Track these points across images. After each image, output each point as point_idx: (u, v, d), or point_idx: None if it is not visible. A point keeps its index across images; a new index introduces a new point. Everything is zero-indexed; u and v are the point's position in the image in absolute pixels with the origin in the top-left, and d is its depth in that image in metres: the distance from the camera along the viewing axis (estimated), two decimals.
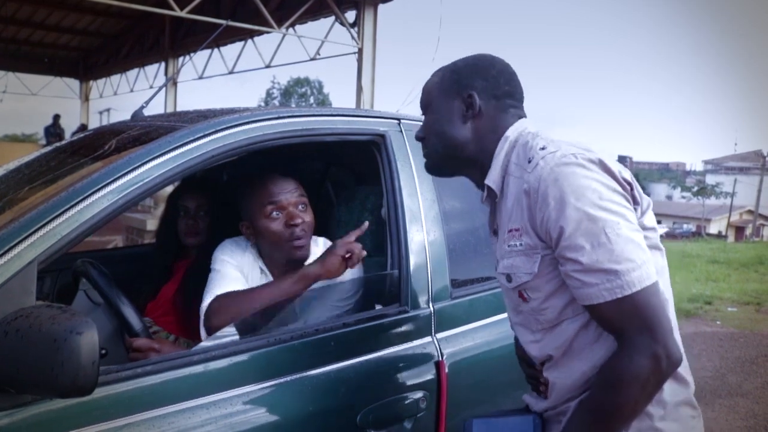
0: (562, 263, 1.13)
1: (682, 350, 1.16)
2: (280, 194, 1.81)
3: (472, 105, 1.30)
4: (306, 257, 1.84)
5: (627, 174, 1.17)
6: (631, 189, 1.17)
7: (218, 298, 1.70)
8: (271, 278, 1.88)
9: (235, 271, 1.83)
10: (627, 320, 1.08)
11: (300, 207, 1.83)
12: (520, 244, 1.20)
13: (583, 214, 1.09)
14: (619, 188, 1.14)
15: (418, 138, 1.41)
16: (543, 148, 1.18)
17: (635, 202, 1.18)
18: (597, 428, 1.12)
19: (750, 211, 43.20)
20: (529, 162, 1.19)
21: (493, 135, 1.30)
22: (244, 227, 1.88)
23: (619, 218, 1.10)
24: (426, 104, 1.39)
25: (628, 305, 1.07)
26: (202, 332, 1.68)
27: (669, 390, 1.16)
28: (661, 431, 1.16)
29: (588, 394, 1.16)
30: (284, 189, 1.82)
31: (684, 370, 1.20)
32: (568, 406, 1.22)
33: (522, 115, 1.34)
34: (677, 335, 1.20)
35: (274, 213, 1.79)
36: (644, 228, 1.17)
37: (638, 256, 1.08)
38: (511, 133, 1.29)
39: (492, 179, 1.29)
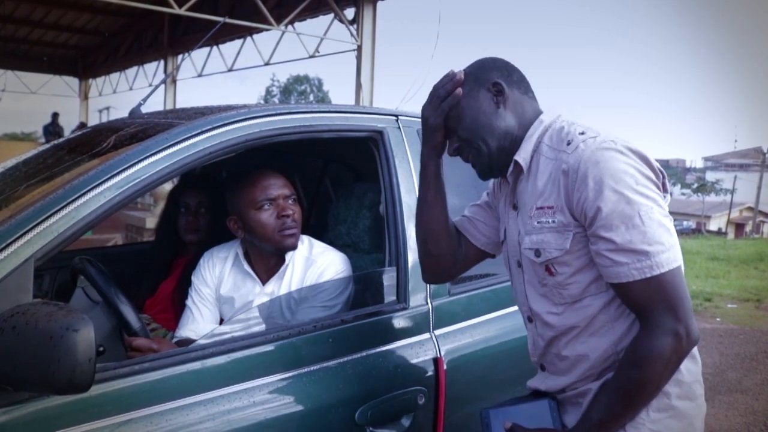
0: (594, 242, 1.19)
1: None
2: (270, 187, 1.84)
3: (500, 91, 1.33)
4: (295, 247, 1.86)
5: (658, 164, 1.23)
6: (663, 178, 1.23)
7: (178, 343, 1.83)
8: (257, 280, 1.91)
9: (205, 305, 1.95)
10: (652, 300, 1.14)
11: (290, 200, 1.86)
12: (553, 221, 1.25)
13: (621, 196, 1.15)
14: (653, 176, 1.20)
15: (454, 154, 1.38)
16: (582, 133, 1.24)
17: (665, 190, 1.24)
18: (621, 406, 1.18)
19: (750, 208, 43.20)
20: (569, 144, 1.24)
21: (525, 115, 1.34)
22: (232, 222, 1.90)
23: (652, 203, 1.16)
24: (454, 129, 1.35)
25: (655, 285, 1.14)
26: None
27: (685, 369, 1.22)
28: (677, 408, 1.22)
29: (613, 374, 1.21)
30: (274, 183, 1.85)
31: (695, 348, 1.25)
32: (588, 388, 1.27)
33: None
34: None
35: (265, 205, 1.82)
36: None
37: (667, 239, 1.16)
38: (546, 117, 1.34)
39: (522, 156, 1.32)
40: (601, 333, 1.25)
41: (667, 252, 1.14)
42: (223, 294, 1.96)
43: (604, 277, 1.21)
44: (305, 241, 1.94)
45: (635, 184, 1.16)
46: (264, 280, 1.91)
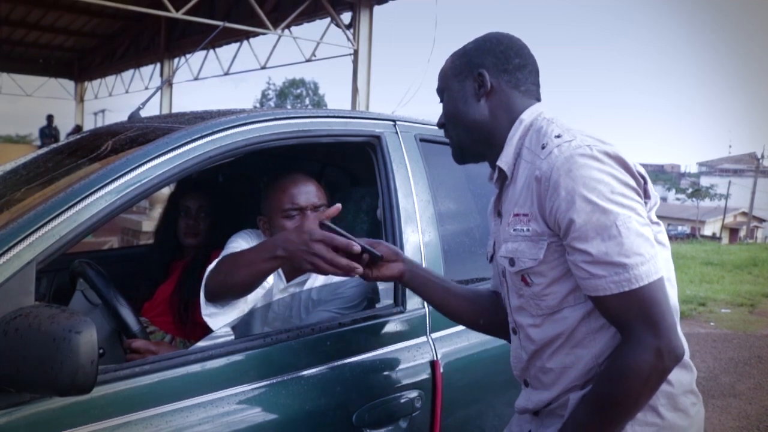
0: (571, 253, 1.13)
1: (684, 343, 1.17)
2: (299, 195, 1.81)
3: (483, 83, 1.31)
4: None
5: (641, 168, 1.17)
6: (645, 183, 1.17)
7: (222, 259, 1.64)
8: (282, 277, 1.89)
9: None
10: (632, 314, 1.09)
11: (319, 211, 1.82)
12: (527, 230, 1.20)
13: (595, 206, 1.09)
14: (632, 182, 1.14)
15: (440, 125, 1.42)
16: (558, 136, 1.18)
17: (647, 196, 1.18)
18: (600, 421, 1.13)
19: (744, 213, 43.39)
20: (543, 148, 1.18)
21: (507, 113, 1.30)
22: (262, 222, 1.89)
23: (630, 212, 1.10)
24: (441, 90, 1.40)
25: (634, 299, 1.08)
26: (202, 298, 1.59)
27: (675, 379, 1.17)
28: (664, 422, 1.17)
29: (591, 388, 1.17)
30: (304, 191, 1.82)
31: (687, 356, 1.21)
32: (567, 398, 1.22)
33: (537, 96, 1.34)
34: (678, 327, 1.21)
35: (292, 213, 1.80)
36: (651, 222, 1.18)
37: (647, 250, 1.09)
38: (527, 116, 1.29)
39: (504, 161, 1.28)
40: (584, 344, 1.20)
41: (647, 264, 1.08)
42: None
43: (582, 288, 1.15)
44: None
45: (610, 193, 1.10)
46: (288, 279, 1.88)
